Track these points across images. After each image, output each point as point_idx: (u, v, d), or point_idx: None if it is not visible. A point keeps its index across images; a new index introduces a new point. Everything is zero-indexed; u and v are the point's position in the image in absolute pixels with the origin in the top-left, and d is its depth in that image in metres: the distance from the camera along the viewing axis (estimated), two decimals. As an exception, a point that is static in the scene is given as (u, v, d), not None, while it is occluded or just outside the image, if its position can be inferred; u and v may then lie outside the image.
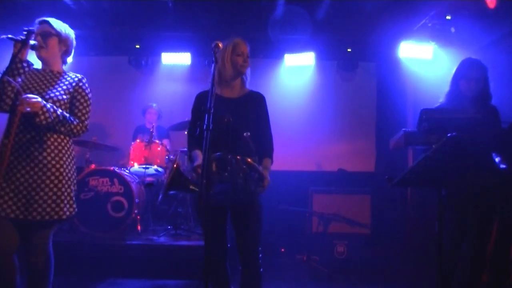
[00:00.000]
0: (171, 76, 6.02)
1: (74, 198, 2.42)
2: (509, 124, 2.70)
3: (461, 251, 2.68)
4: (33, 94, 2.27)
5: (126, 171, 4.66)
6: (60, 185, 2.30)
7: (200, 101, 2.51)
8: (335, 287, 4.03)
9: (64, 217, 2.32)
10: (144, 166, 4.67)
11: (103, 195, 4.29)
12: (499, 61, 4.06)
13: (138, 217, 4.50)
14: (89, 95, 2.51)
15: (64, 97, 2.39)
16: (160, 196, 2.46)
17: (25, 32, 2.27)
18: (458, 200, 2.65)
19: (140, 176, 4.80)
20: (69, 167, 2.39)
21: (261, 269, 2.44)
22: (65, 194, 2.33)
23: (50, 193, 2.27)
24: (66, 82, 2.45)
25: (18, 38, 2.26)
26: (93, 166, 4.53)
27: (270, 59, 5.98)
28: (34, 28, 2.38)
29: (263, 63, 5.90)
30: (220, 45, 2.31)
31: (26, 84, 2.37)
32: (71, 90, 2.43)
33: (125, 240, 4.19)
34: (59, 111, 2.31)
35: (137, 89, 5.99)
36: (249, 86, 2.61)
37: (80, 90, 2.46)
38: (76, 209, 2.43)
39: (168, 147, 5.01)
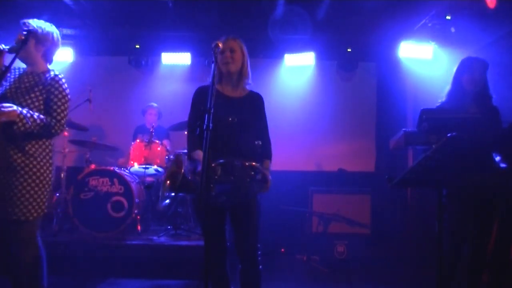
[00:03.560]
0: (171, 76, 6.02)
1: (44, 200, 2.41)
2: (509, 124, 2.70)
3: (461, 251, 2.68)
4: (11, 99, 2.31)
5: (126, 171, 4.66)
6: (29, 188, 2.33)
7: (200, 97, 2.47)
8: (335, 287, 4.03)
9: (30, 218, 2.33)
10: (144, 166, 4.66)
11: (103, 195, 4.29)
12: (499, 61, 4.05)
13: (138, 217, 4.50)
14: (65, 92, 2.47)
15: (34, 99, 2.39)
16: (167, 201, 2.40)
17: (25, 33, 2.31)
18: (458, 200, 2.65)
19: (140, 176, 4.80)
20: (41, 171, 2.40)
21: (261, 266, 2.45)
22: (35, 196, 2.35)
23: (19, 195, 2.31)
24: (39, 83, 2.44)
25: None
26: (93, 166, 4.53)
27: (270, 59, 5.98)
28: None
29: (263, 63, 5.90)
30: (220, 45, 2.30)
31: (10, 89, 2.39)
32: (43, 91, 2.42)
33: (125, 240, 4.18)
34: (36, 115, 2.33)
35: (137, 89, 5.99)
36: (250, 86, 2.61)
37: (53, 89, 2.43)
38: (44, 211, 2.42)
39: (168, 147, 5.01)
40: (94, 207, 4.23)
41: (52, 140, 2.52)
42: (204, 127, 1.96)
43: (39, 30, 2.46)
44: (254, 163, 2.24)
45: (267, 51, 5.78)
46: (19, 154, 2.33)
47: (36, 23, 2.47)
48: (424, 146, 2.56)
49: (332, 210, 4.79)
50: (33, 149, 2.38)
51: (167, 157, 4.85)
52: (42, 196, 2.39)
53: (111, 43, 5.80)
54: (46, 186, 2.43)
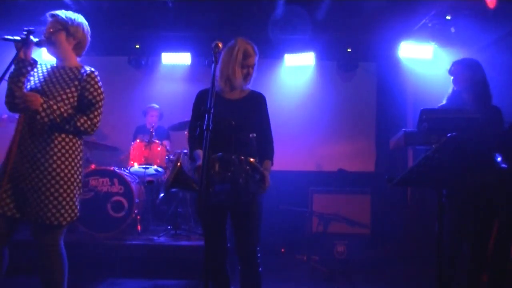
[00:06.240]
0: (171, 76, 6.02)
1: (76, 203, 2.33)
2: (510, 124, 2.70)
3: (461, 251, 2.68)
4: (45, 95, 2.26)
5: (126, 171, 4.66)
6: (61, 190, 2.24)
7: (201, 99, 2.50)
8: (335, 287, 4.03)
9: (64, 222, 2.25)
10: (144, 166, 4.66)
11: (103, 195, 4.29)
12: (499, 61, 4.06)
13: (138, 217, 4.50)
14: (100, 90, 2.38)
15: (69, 95, 2.31)
16: (162, 195, 2.45)
17: (25, 32, 2.24)
18: (458, 200, 2.65)
19: (140, 176, 4.79)
20: (72, 172, 2.31)
21: (261, 269, 2.44)
22: (67, 199, 2.26)
23: (51, 198, 2.21)
24: (74, 79, 2.36)
25: (15, 38, 2.20)
26: (93, 166, 4.53)
27: (270, 59, 5.97)
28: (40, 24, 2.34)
29: (263, 63, 5.80)
30: (220, 45, 2.28)
31: (46, 83, 2.33)
32: (78, 87, 2.34)
33: (125, 240, 4.18)
34: (63, 108, 2.26)
35: (137, 89, 5.99)
36: (250, 86, 2.60)
37: (88, 86, 2.35)
38: (77, 215, 2.34)
39: (168, 148, 5.01)
40: (94, 207, 4.22)
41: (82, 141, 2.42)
42: (204, 127, 1.97)
43: (70, 22, 2.37)
44: (252, 160, 2.24)
45: (267, 51, 5.76)
46: (50, 157, 2.23)
47: (65, 14, 2.38)
48: (424, 146, 2.57)
49: (332, 210, 4.79)
50: (63, 150, 2.28)
51: (167, 157, 4.85)
52: (74, 199, 2.30)
53: (111, 43, 5.79)
54: (77, 188, 2.34)
